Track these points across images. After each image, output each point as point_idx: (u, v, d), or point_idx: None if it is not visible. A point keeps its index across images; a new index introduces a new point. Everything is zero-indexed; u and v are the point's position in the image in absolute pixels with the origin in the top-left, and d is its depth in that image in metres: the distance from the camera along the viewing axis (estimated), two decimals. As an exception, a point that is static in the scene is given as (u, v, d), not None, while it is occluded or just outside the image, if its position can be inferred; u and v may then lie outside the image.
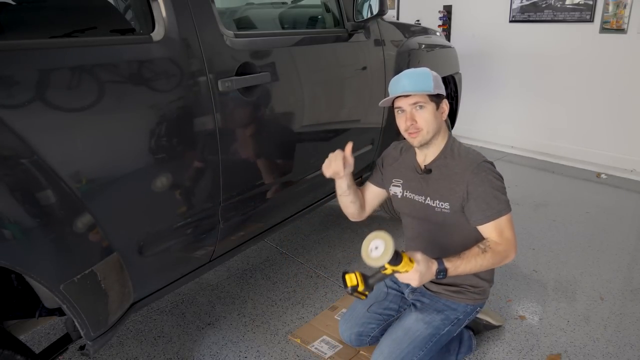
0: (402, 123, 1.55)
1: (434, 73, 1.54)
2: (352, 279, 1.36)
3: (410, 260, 1.34)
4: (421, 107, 1.51)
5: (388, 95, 1.58)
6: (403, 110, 1.54)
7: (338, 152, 1.58)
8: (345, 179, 1.63)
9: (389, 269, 1.33)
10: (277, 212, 1.91)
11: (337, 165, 1.57)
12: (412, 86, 1.50)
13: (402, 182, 1.68)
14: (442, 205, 1.55)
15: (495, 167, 1.55)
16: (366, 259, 1.28)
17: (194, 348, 1.86)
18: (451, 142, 1.59)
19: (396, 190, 1.69)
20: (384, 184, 1.75)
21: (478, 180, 1.49)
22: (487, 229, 1.51)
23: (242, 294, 2.21)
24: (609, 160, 3.75)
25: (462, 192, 1.50)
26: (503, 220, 1.49)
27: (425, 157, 1.61)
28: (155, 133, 1.28)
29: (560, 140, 4.01)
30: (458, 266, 1.44)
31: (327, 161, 1.59)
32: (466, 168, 1.51)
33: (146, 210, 1.32)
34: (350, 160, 1.59)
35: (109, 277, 1.20)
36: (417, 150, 1.63)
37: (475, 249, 1.48)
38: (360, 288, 1.36)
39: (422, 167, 1.61)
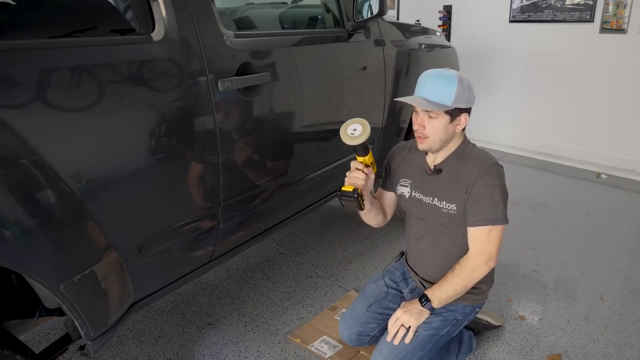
0: (414, 123, 1.54)
1: (466, 81, 1.45)
2: (348, 187, 1.50)
3: (373, 160, 1.52)
4: (432, 117, 1.47)
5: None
6: (417, 112, 1.52)
7: (355, 165, 1.52)
8: (367, 197, 1.57)
9: (359, 159, 1.51)
10: (277, 212, 1.91)
11: (357, 172, 1.50)
12: (431, 93, 1.45)
13: (410, 182, 1.66)
14: (448, 206, 1.55)
15: (503, 172, 1.53)
16: (345, 137, 1.44)
17: (194, 348, 1.86)
18: (465, 145, 1.56)
19: (404, 190, 1.68)
20: (393, 188, 1.73)
21: (482, 182, 1.48)
22: (472, 233, 1.52)
23: (242, 294, 2.21)
24: (609, 160, 3.74)
25: (466, 192, 1.50)
26: (490, 229, 1.49)
27: (435, 158, 1.59)
28: (156, 133, 1.28)
29: (561, 141, 4.01)
30: (437, 294, 1.55)
31: (347, 175, 1.52)
32: (475, 169, 1.50)
33: (146, 210, 1.32)
34: (371, 175, 1.52)
35: (109, 277, 1.20)
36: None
37: (449, 272, 1.56)
38: (361, 194, 1.51)
39: (432, 167, 1.60)
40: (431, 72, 1.49)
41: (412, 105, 1.52)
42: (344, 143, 1.44)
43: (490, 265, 1.53)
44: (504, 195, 1.50)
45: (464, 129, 1.55)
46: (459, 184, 1.52)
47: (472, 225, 1.51)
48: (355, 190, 1.48)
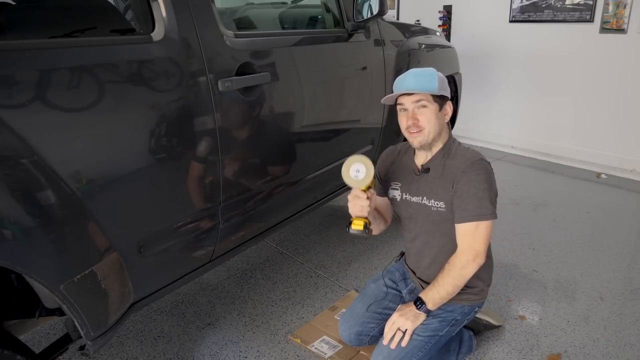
0: (403, 121, 1.55)
1: (440, 74, 1.53)
2: (358, 223, 1.48)
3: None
4: (424, 106, 1.50)
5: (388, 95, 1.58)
6: (405, 109, 1.54)
7: (357, 193, 1.47)
8: (371, 213, 1.54)
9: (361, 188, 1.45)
10: (277, 212, 1.91)
11: (362, 201, 1.46)
12: (416, 85, 1.50)
13: (400, 185, 1.68)
14: (437, 204, 1.55)
15: (490, 168, 1.54)
16: (348, 180, 1.40)
17: (194, 348, 1.86)
18: (450, 142, 1.59)
19: (395, 193, 1.69)
20: (386, 192, 1.74)
21: (466, 179, 1.49)
22: (459, 229, 1.52)
23: (242, 294, 2.21)
24: (609, 160, 3.75)
25: (452, 189, 1.51)
26: (476, 225, 1.48)
27: (425, 156, 1.61)
28: (155, 133, 1.28)
29: (561, 140, 4.01)
30: (430, 296, 1.53)
31: (350, 204, 1.49)
32: (459, 166, 1.52)
33: (146, 210, 1.32)
34: (374, 196, 1.51)
35: (109, 277, 1.20)
36: (417, 151, 1.63)
37: (439, 272, 1.54)
38: (369, 223, 1.50)
39: (420, 167, 1.61)
40: (406, 72, 1.54)
41: (401, 106, 1.54)
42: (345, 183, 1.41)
43: (479, 262, 1.52)
44: (491, 190, 1.50)
45: (450, 125, 1.58)
46: (445, 182, 1.53)
47: (458, 222, 1.51)
48: (366, 228, 1.47)
